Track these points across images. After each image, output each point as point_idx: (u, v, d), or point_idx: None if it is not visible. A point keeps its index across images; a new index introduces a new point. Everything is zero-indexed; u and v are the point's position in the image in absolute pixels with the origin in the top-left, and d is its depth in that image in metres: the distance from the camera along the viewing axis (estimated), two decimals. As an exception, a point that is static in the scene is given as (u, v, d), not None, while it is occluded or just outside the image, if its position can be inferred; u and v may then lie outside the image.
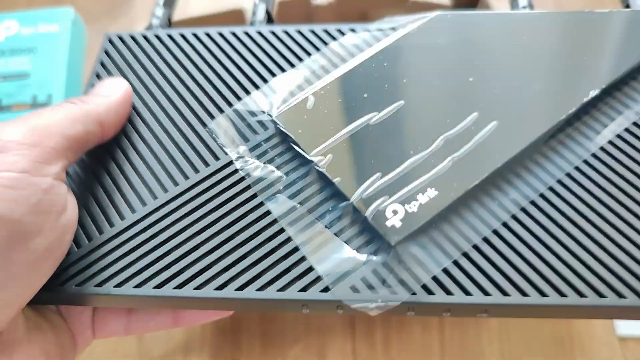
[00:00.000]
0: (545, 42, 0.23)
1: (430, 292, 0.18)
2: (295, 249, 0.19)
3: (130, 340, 0.39)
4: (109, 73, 0.27)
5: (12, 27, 0.44)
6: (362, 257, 0.19)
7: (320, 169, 0.20)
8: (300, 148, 0.21)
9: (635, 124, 0.21)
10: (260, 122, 0.22)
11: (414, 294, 0.18)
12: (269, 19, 0.27)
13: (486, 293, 0.18)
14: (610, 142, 0.21)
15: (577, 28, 0.23)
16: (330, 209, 0.20)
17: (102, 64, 0.27)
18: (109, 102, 0.22)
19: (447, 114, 0.21)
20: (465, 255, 0.19)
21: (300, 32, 0.25)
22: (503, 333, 0.39)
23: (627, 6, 0.27)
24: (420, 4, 0.45)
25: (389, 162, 0.20)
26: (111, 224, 0.21)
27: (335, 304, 0.18)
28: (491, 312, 0.18)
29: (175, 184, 0.21)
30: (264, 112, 0.22)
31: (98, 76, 0.27)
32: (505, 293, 0.18)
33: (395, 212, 0.19)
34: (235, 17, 0.46)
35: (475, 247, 0.19)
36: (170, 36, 0.26)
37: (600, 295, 0.18)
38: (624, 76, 0.21)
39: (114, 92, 0.23)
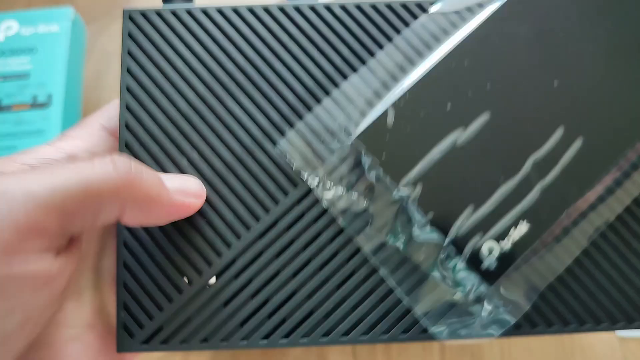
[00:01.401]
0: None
1: (533, 324, 0.19)
2: (391, 291, 0.20)
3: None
4: (140, 66, 0.21)
5: (12, 27, 0.44)
6: (458, 296, 0.19)
7: (411, 204, 0.19)
8: (386, 177, 0.19)
9: None
10: (338, 138, 0.20)
11: (507, 333, 0.19)
12: None
13: (581, 322, 0.19)
14: None
15: None
16: (424, 247, 0.19)
17: (130, 54, 0.22)
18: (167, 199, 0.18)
19: (533, 129, 0.20)
20: (550, 287, 0.20)
21: (359, 8, 0.21)
22: (503, 333, 0.39)
23: None
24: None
25: (480, 192, 0.19)
26: (199, 272, 0.20)
27: (436, 340, 0.19)
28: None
29: (257, 219, 0.20)
30: (340, 129, 0.20)
31: (129, 71, 0.21)
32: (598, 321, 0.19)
33: (490, 250, 0.19)
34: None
35: (560, 278, 0.20)
36: (206, 12, 0.21)
37: None
38: None
39: (184, 194, 0.19)
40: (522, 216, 0.19)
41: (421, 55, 0.20)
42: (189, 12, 0.21)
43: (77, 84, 0.45)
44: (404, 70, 0.20)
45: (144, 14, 0.21)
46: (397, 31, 0.21)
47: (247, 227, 0.20)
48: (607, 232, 0.20)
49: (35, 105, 0.41)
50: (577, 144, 0.19)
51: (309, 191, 0.20)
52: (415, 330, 0.19)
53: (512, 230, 0.19)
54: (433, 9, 0.21)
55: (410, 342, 0.19)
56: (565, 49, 0.20)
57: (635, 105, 0.20)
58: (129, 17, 0.21)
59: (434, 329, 0.19)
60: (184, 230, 0.20)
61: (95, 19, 0.54)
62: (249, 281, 0.20)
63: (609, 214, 0.19)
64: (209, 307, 0.20)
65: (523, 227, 0.19)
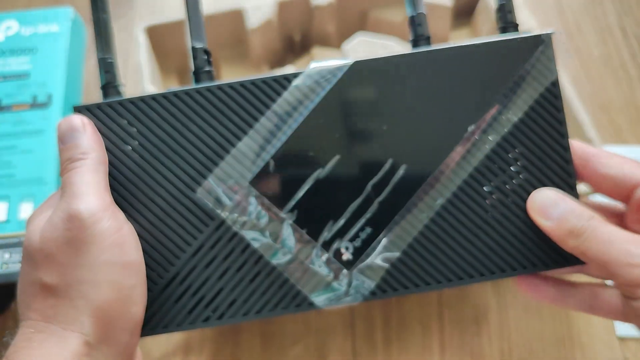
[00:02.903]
0: (435, 79, 0.29)
1: (375, 294, 0.29)
2: (287, 280, 0.28)
3: (130, 341, 0.39)
4: None
5: (12, 27, 0.44)
6: (330, 278, 0.28)
7: (291, 224, 0.28)
8: (273, 207, 0.28)
9: (497, 144, 0.29)
10: (238, 183, 0.28)
11: (366, 298, 0.29)
12: (209, 60, 0.30)
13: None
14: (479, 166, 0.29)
15: (460, 61, 0.29)
16: (304, 249, 0.28)
17: None
18: (89, 141, 0.27)
19: (370, 162, 0.28)
20: (394, 265, 0.29)
21: (243, 86, 0.29)
22: (503, 333, 0.40)
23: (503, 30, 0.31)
24: (420, 4, 0.45)
25: (337, 210, 0.28)
26: (154, 282, 0.28)
27: (318, 309, 0.28)
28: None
29: (188, 244, 0.28)
30: (239, 176, 0.28)
31: None
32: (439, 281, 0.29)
33: (347, 248, 0.28)
34: (234, 17, 0.46)
35: (400, 260, 0.28)
36: (133, 103, 0.28)
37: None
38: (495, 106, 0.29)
39: (81, 133, 0.27)
40: (366, 223, 0.28)
41: (291, 117, 0.28)
42: (120, 104, 0.28)
43: (77, 83, 0.45)
44: (279, 129, 0.28)
45: (88, 109, 0.28)
46: (273, 99, 0.29)
47: (183, 250, 0.28)
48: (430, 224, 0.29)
49: (35, 105, 0.41)
50: (401, 169, 0.28)
51: (223, 222, 0.28)
52: (304, 304, 0.28)
53: (360, 233, 0.28)
54: (295, 82, 0.29)
55: (301, 312, 0.28)
56: (391, 102, 0.29)
57: (437, 144, 0.29)
58: (78, 111, 0.28)
59: (317, 302, 0.28)
60: (147, 245, 0.28)
61: (95, 19, 0.54)
62: (190, 285, 0.28)
63: (429, 209, 0.29)
64: (166, 304, 0.28)
65: (367, 230, 0.28)
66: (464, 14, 0.49)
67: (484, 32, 0.46)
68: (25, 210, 0.38)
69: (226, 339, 0.39)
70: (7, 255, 0.37)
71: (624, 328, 0.39)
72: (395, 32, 0.47)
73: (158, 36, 0.44)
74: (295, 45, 0.49)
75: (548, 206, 0.27)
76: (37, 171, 0.39)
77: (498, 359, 0.39)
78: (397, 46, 0.41)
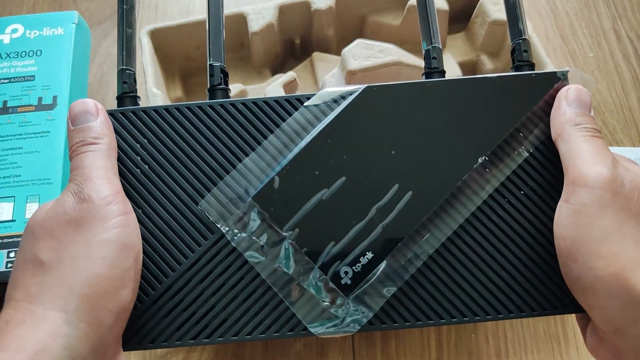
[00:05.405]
0: (446, 110, 0.29)
1: (372, 324, 0.27)
2: (281, 302, 0.27)
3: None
4: None
5: (18, 30, 0.45)
6: (327, 304, 0.27)
7: (291, 242, 0.27)
8: (274, 224, 0.27)
9: (507, 178, 0.28)
10: (241, 198, 0.28)
11: (363, 329, 0.27)
12: (225, 79, 0.31)
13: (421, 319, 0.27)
14: (491, 196, 0.28)
15: (474, 94, 0.29)
16: (302, 270, 0.27)
17: None
18: (101, 126, 0.27)
19: (376, 186, 0.28)
20: (389, 302, 0.27)
21: (255, 104, 0.29)
22: (500, 331, 0.40)
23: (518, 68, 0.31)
24: (418, 8, 0.46)
25: (339, 232, 0.27)
26: (146, 294, 0.27)
27: (313, 336, 0.27)
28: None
29: (185, 257, 0.27)
30: (243, 191, 0.28)
31: None
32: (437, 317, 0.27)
33: (346, 272, 0.27)
34: (237, 21, 0.47)
35: (402, 290, 0.27)
36: (145, 112, 0.29)
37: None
38: (505, 137, 0.29)
39: (94, 117, 0.27)
40: (368, 248, 0.27)
41: (299, 136, 0.29)
42: (133, 112, 0.29)
43: (81, 85, 0.45)
44: (287, 147, 0.28)
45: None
46: (283, 119, 0.29)
47: (179, 263, 0.27)
48: (435, 255, 0.28)
49: (40, 106, 0.42)
50: (407, 195, 0.28)
51: (222, 236, 0.27)
52: (298, 329, 0.27)
53: (361, 258, 0.27)
54: (307, 103, 0.29)
55: (294, 338, 0.26)
56: (401, 128, 0.28)
57: (446, 172, 0.28)
58: None
59: (311, 328, 0.27)
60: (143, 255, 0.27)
61: (100, 22, 0.55)
62: (182, 300, 0.27)
63: (435, 239, 0.28)
64: (154, 318, 0.27)
65: (369, 255, 0.27)
66: (461, 19, 0.50)
67: (480, 37, 0.47)
68: (31, 210, 0.38)
69: (228, 336, 0.40)
70: (12, 254, 0.38)
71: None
72: (394, 36, 0.48)
73: (161, 39, 0.45)
74: (296, 48, 0.50)
75: (582, 96, 0.28)
76: (43, 172, 0.39)
77: (494, 357, 0.39)
78: (395, 49, 0.42)
